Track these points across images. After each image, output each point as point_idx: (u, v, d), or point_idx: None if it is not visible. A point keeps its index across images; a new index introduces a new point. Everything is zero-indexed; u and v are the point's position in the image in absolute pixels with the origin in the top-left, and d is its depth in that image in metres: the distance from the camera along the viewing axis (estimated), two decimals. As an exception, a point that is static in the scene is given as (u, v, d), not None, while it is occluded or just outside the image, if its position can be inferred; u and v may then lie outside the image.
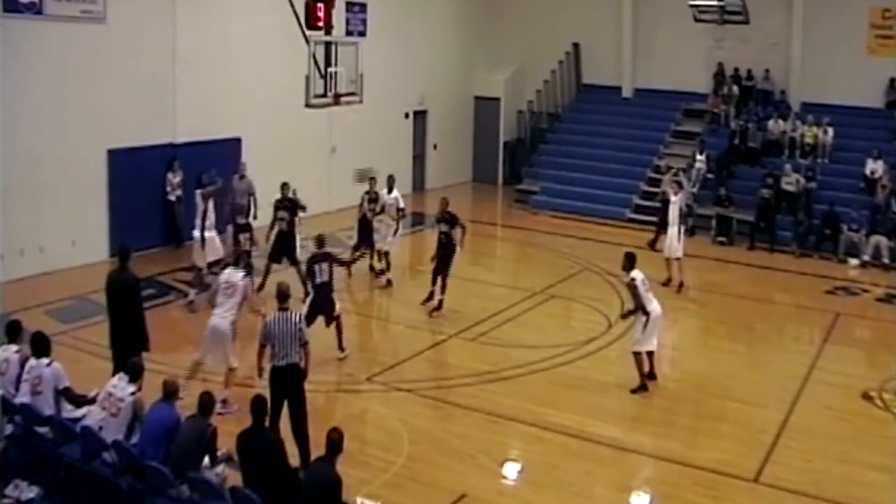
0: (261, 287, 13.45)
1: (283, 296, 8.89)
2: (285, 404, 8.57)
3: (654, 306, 11.08)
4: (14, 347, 8.56)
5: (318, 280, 11.47)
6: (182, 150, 16.79)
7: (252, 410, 7.23)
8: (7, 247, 13.94)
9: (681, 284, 15.54)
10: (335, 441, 6.79)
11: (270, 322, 8.63)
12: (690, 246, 18.07)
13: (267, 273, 13.99)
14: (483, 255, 18.19)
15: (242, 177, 15.39)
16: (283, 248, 14.16)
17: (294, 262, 14.04)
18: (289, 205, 14.26)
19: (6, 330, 8.77)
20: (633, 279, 11.00)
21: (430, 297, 13.79)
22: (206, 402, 7.38)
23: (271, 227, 14.20)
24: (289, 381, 8.51)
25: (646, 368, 11.17)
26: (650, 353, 11.20)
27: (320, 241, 11.86)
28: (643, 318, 11.01)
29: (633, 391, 11.02)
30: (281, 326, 8.52)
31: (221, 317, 9.84)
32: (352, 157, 21.06)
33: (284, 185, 14.35)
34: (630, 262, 11.16)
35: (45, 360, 8.17)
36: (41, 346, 8.28)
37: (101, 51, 15.43)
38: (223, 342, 9.84)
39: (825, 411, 10.87)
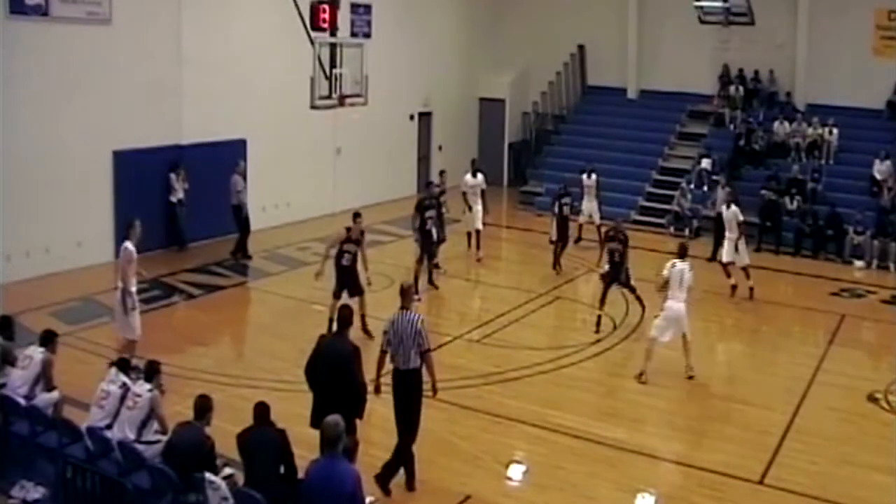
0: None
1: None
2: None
3: (670, 302, 11.43)
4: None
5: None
6: (187, 152, 16.82)
7: (254, 415, 7.18)
8: (13, 248, 14.01)
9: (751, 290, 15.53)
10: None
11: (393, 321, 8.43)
12: (695, 247, 18.03)
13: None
14: (488, 257, 18.12)
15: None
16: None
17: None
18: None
19: None
20: (671, 264, 11.54)
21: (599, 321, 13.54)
22: (202, 406, 7.28)
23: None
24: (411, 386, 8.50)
25: (650, 357, 11.54)
26: (684, 344, 11.59)
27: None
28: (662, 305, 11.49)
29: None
30: (402, 326, 8.35)
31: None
32: (357, 159, 21.07)
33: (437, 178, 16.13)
34: (680, 252, 11.83)
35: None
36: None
37: (107, 52, 15.48)
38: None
39: (830, 413, 10.86)
